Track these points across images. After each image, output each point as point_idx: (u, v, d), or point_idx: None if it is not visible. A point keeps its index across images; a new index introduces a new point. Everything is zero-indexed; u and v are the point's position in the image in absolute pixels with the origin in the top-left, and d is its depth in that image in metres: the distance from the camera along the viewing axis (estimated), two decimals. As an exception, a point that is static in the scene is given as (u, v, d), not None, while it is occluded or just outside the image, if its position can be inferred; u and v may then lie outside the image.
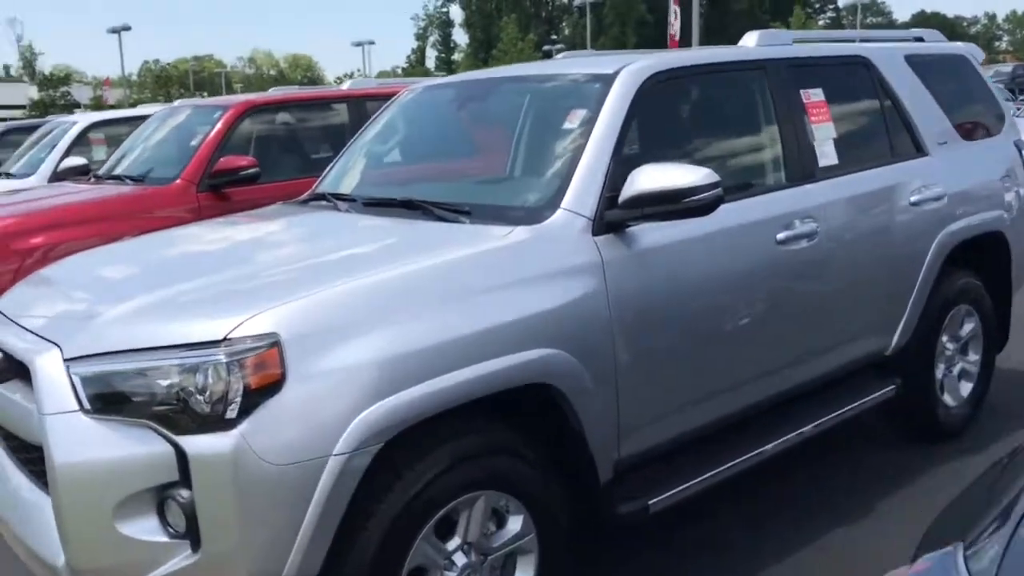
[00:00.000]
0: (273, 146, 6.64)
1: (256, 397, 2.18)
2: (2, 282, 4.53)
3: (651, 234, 2.90)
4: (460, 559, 2.51)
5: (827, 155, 3.60)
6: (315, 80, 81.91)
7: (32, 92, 53.21)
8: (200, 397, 2.18)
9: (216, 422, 2.17)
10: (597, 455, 2.77)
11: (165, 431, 2.18)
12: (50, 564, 2.32)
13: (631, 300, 2.80)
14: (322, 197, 3.64)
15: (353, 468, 2.23)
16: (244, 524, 2.17)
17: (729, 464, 3.14)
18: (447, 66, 77.31)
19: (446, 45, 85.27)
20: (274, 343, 2.21)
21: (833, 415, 3.54)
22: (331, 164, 4.05)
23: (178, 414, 2.19)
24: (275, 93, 7.41)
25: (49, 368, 2.32)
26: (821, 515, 3.61)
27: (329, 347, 2.25)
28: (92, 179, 6.69)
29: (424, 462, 2.39)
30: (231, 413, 2.17)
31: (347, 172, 3.91)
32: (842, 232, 3.54)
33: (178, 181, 5.91)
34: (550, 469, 2.69)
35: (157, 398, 2.20)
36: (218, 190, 5.90)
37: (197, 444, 2.16)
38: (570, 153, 2.96)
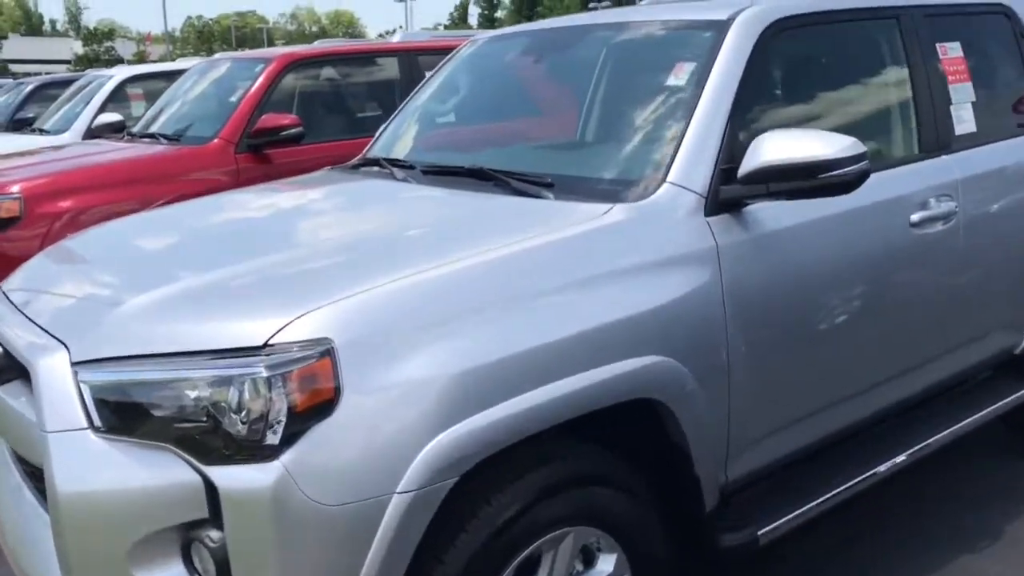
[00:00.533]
0: (318, 104, 6.24)
1: (303, 420, 1.74)
2: (29, 249, 4.19)
3: (771, 214, 2.42)
4: (541, 604, 2.09)
5: (964, 121, 3.07)
6: (356, 36, 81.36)
7: (77, 47, 53.33)
8: (235, 417, 1.75)
9: (254, 449, 1.74)
10: (704, 479, 2.32)
11: (191, 459, 1.77)
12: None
13: (749, 294, 2.32)
14: (375, 163, 3.19)
15: (421, 508, 1.79)
16: (288, 575, 1.75)
17: (850, 483, 2.67)
18: (490, 23, 76.14)
19: (489, 1, 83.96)
20: (327, 351, 1.77)
21: (965, 423, 3.03)
22: (384, 125, 3.59)
23: (207, 436, 1.77)
24: (321, 46, 6.97)
25: (53, 374, 1.91)
26: (943, 540, 3.13)
27: (394, 357, 1.81)
28: (126, 137, 6.33)
29: (505, 494, 1.95)
30: (272, 439, 1.74)
31: (402, 135, 3.45)
32: (981, 213, 3.02)
33: (215, 141, 5.52)
34: (648, 498, 2.25)
35: (181, 416, 1.78)
36: (258, 151, 5.50)
37: (230, 476, 1.74)
38: (675, 115, 2.46)
